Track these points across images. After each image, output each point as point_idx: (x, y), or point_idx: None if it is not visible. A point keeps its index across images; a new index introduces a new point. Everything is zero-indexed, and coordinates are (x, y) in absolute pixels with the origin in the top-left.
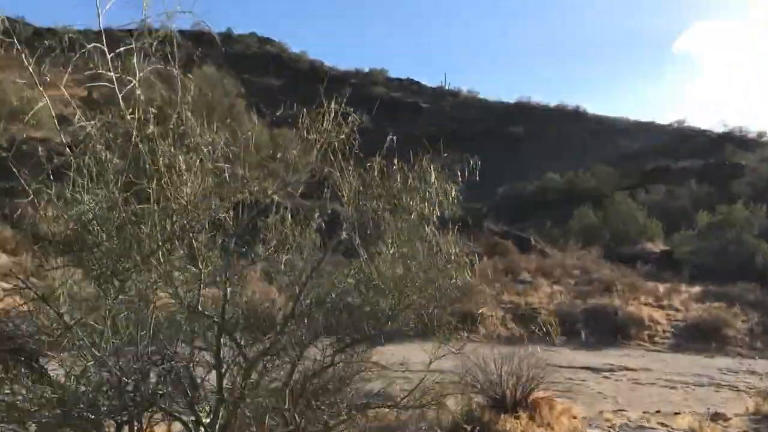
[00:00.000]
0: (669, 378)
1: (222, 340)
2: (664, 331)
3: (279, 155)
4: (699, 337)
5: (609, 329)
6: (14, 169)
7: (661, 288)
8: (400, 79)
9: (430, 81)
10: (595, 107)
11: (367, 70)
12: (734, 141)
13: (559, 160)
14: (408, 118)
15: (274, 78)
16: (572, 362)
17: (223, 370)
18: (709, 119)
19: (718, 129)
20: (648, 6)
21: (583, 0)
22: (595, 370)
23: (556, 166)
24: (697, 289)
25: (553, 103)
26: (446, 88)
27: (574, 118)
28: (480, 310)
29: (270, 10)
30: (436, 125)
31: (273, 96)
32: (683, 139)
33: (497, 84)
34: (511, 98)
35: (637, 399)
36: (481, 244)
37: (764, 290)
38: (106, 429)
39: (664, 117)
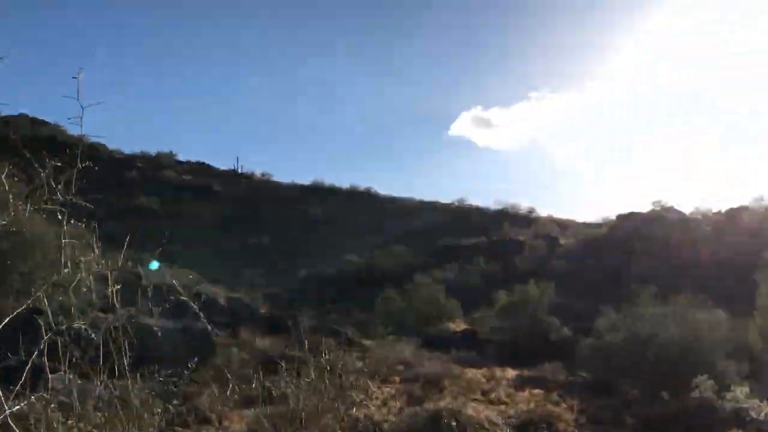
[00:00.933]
0: None
1: None
2: None
3: None
4: None
5: None
6: None
7: (481, 377)
8: (190, 162)
9: (222, 164)
10: (384, 188)
11: (154, 153)
12: (509, 218)
13: (355, 241)
14: (201, 202)
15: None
16: None
17: None
18: (486, 198)
19: (494, 207)
20: (427, 91)
21: (364, 79)
22: None
23: (354, 247)
24: (512, 373)
25: (345, 185)
26: (239, 171)
27: (367, 199)
28: None
29: (41, 90)
30: (231, 208)
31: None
32: (464, 217)
33: (290, 166)
34: (305, 180)
35: None
36: (302, 345)
37: (567, 367)
38: None
39: (446, 197)
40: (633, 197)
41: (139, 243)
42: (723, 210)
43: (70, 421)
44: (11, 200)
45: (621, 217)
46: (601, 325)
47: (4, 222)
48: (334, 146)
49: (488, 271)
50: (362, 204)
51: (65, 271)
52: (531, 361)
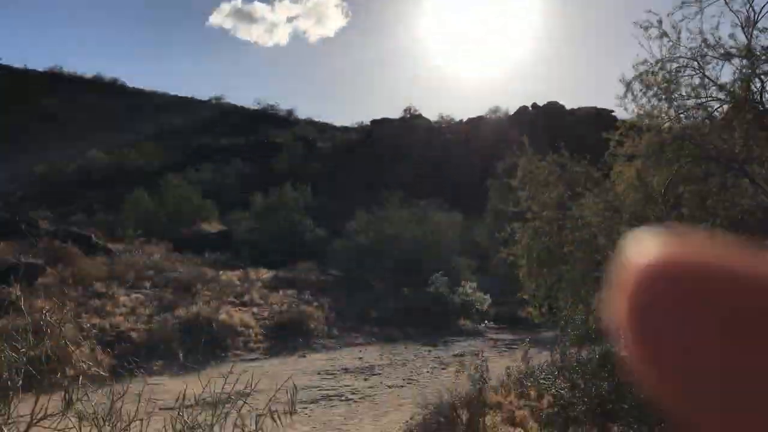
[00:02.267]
0: (287, 400)
1: None
2: (256, 335)
3: None
4: (288, 334)
5: (206, 343)
6: None
7: (236, 279)
8: None
9: None
10: (134, 80)
11: None
12: (268, 119)
13: (100, 135)
14: None
15: None
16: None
17: None
18: (246, 97)
19: (254, 107)
20: None
21: None
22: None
23: (98, 143)
24: (267, 275)
25: (89, 74)
26: None
27: (113, 90)
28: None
29: None
30: None
31: None
32: (223, 116)
33: (22, 48)
34: (40, 66)
35: None
36: (40, 253)
37: (320, 266)
38: None
39: (203, 93)
40: (388, 103)
41: None
42: (464, 119)
43: None
44: None
45: (375, 123)
46: (352, 227)
47: None
48: (75, 30)
49: (245, 172)
50: (110, 96)
51: None
52: (286, 263)
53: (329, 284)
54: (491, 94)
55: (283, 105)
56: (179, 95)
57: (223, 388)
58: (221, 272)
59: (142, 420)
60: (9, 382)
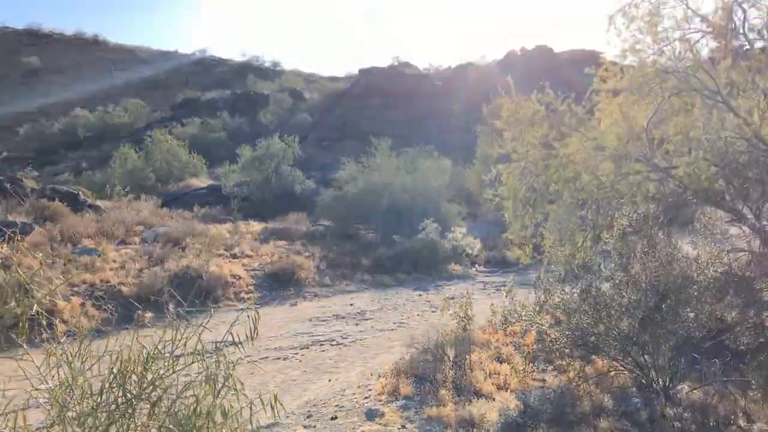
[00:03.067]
0: (279, 346)
1: None
2: (247, 285)
3: None
4: (279, 285)
5: (196, 295)
6: None
7: (226, 232)
8: None
9: None
10: (115, 35)
11: None
12: (254, 71)
13: (84, 92)
14: None
15: None
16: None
17: None
18: (230, 49)
19: (238, 58)
20: None
21: None
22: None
23: (82, 100)
24: (257, 227)
25: (69, 31)
26: None
27: (95, 47)
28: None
29: None
30: None
31: None
32: (206, 69)
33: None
34: (19, 24)
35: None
36: (27, 212)
37: (310, 218)
38: None
39: (186, 46)
40: (376, 51)
41: None
42: (453, 66)
43: None
44: None
45: (363, 72)
46: (341, 176)
47: None
48: None
49: (233, 125)
50: (90, 53)
51: None
52: (276, 215)
53: (320, 235)
54: (481, 39)
55: (269, 56)
56: (162, 49)
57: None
58: (210, 226)
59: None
60: None
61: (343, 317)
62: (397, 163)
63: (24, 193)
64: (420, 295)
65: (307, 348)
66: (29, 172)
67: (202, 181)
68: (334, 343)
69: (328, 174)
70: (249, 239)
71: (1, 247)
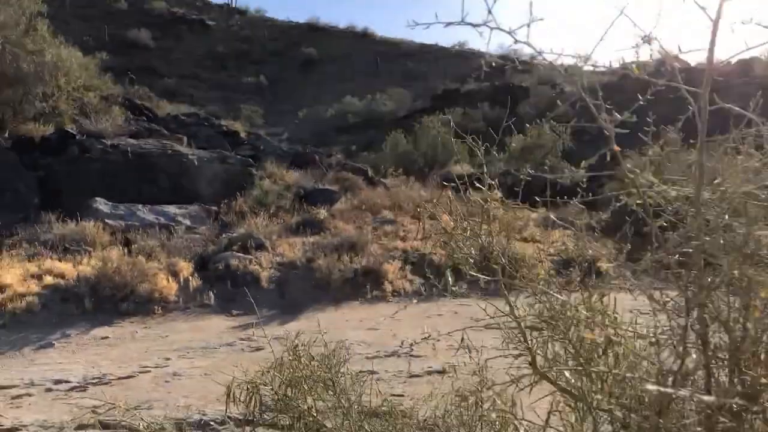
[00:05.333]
0: None
1: None
2: (550, 268)
3: None
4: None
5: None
6: None
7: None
8: None
9: None
10: (381, 29)
11: None
12: (512, 63)
13: (351, 82)
14: (194, 37)
15: None
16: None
17: None
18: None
19: (496, 51)
20: None
21: None
22: None
23: (349, 89)
24: (534, 215)
25: (342, 24)
26: (233, 5)
27: (363, 39)
28: (381, 264)
29: None
30: (225, 45)
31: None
32: (465, 61)
33: (284, 1)
34: (299, 18)
35: None
36: (330, 182)
37: (588, 213)
38: None
39: (446, 39)
40: (633, 46)
41: (137, 77)
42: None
43: None
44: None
45: (624, 66)
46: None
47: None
48: None
49: (492, 116)
50: (359, 45)
51: (91, 95)
52: (542, 205)
53: (602, 229)
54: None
55: (526, 50)
56: (424, 43)
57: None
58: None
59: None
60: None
61: None
62: None
63: (327, 164)
64: None
65: None
66: (335, 149)
67: (463, 169)
68: None
69: (595, 168)
70: (532, 226)
71: (321, 210)
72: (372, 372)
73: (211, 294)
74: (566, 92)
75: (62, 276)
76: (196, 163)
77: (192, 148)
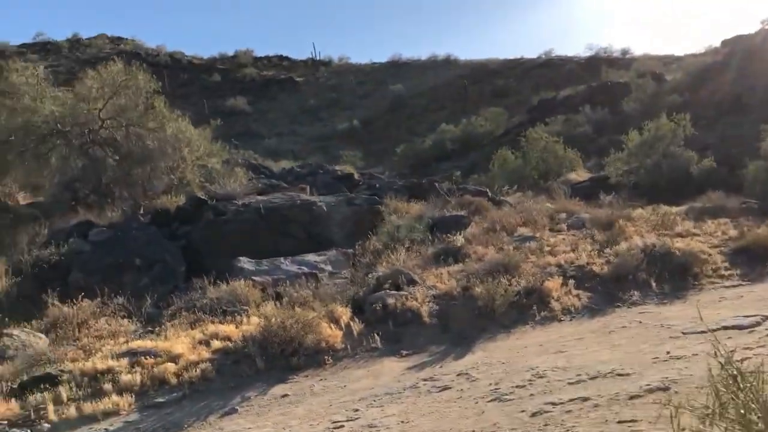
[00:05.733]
0: None
1: None
2: (721, 261)
3: None
4: (754, 261)
5: (673, 272)
6: None
7: (647, 214)
8: (268, 57)
9: (299, 54)
10: (464, 53)
11: (232, 53)
12: (604, 62)
13: (443, 111)
14: (285, 95)
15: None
16: (697, 324)
17: None
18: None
19: (585, 53)
20: None
21: None
22: (739, 328)
23: (442, 117)
24: (675, 209)
25: (424, 56)
26: (317, 58)
27: (447, 66)
28: (542, 282)
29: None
30: (315, 97)
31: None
32: (554, 69)
33: (365, 47)
34: (382, 59)
35: None
36: (454, 206)
37: (737, 198)
38: None
39: (531, 51)
40: (739, 17)
41: (240, 141)
42: None
43: None
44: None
45: (726, 43)
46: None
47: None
48: (405, 19)
49: (595, 118)
50: (444, 72)
51: (214, 161)
52: (671, 199)
53: (753, 212)
54: None
55: (618, 45)
56: (509, 58)
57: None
58: (629, 210)
59: None
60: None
61: None
62: None
63: (447, 190)
64: None
65: None
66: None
67: (579, 175)
68: None
69: (721, 152)
70: (678, 219)
71: (456, 237)
72: (584, 399)
73: (376, 336)
74: (668, 81)
75: (228, 338)
76: (325, 209)
77: (317, 196)
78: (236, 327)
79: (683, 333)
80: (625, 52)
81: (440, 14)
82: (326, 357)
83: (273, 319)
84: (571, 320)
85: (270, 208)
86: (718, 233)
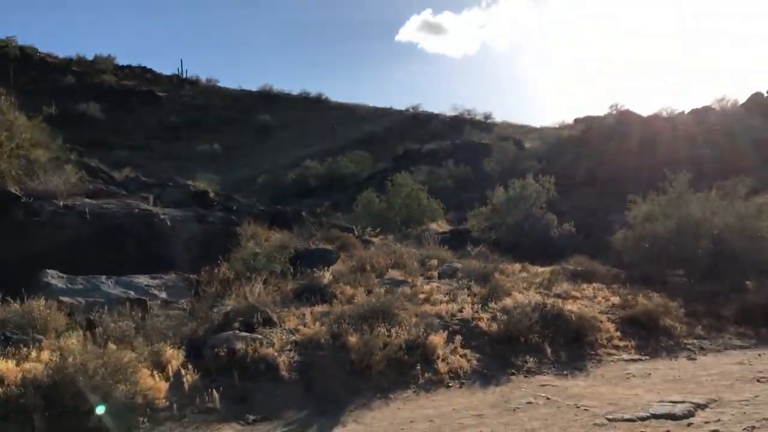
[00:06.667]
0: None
1: None
2: (615, 330)
3: None
4: (645, 332)
5: (568, 338)
6: None
7: (519, 272)
8: (131, 67)
9: (164, 69)
10: (335, 94)
11: (91, 57)
12: (468, 123)
13: (309, 147)
14: (145, 108)
15: None
16: (620, 408)
17: None
18: (440, 105)
19: (450, 112)
20: None
21: None
22: (671, 418)
23: (308, 154)
24: (542, 269)
25: (296, 91)
26: (183, 76)
27: (318, 105)
28: (427, 336)
29: None
30: (177, 114)
31: None
32: (420, 123)
33: (236, 72)
34: (252, 87)
35: None
36: (319, 239)
37: (601, 264)
38: None
39: (399, 103)
40: (588, 101)
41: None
42: (686, 111)
43: None
44: None
45: (579, 120)
46: (636, 216)
47: None
48: (278, 51)
49: (458, 173)
50: (313, 110)
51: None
52: (538, 259)
53: (627, 278)
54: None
55: (481, 109)
56: (378, 106)
57: None
58: (503, 264)
59: None
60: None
61: None
62: (710, 197)
63: (314, 223)
64: None
65: None
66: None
67: (440, 226)
68: None
69: (580, 220)
70: (560, 279)
71: (323, 274)
72: None
73: (215, 393)
74: (528, 148)
75: (1, 380)
76: (168, 223)
77: (162, 207)
78: (17, 364)
79: (608, 420)
80: (487, 116)
81: (314, 53)
82: (140, 418)
83: (71, 358)
84: (461, 387)
85: (98, 215)
86: (599, 299)
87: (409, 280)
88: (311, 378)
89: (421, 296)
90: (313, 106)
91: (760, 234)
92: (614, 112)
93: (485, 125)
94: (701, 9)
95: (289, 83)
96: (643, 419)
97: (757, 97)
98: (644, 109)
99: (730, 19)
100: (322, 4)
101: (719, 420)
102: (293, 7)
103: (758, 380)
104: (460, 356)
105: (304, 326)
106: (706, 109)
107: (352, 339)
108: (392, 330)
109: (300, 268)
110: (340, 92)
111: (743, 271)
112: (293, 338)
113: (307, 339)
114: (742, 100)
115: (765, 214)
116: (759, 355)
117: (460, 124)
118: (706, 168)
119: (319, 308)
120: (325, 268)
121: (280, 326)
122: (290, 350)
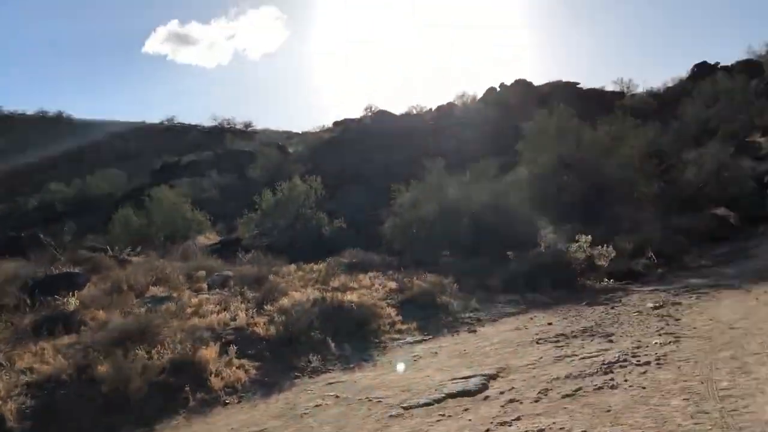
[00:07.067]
0: (567, 374)
1: None
2: (396, 315)
3: None
4: (422, 311)
5: (351, 330)
6: None
7: (295, 271)
8: None
9: None
10: (81, 112)
11: None
12: (227, 132)
13: (53, 170)
14: None
15: None
16: (414, 394)
17: None
18: (198, 116)
19: (208, 123)
20: (116, 9)
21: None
22: (467, 394)
23: (53, 177)
24: (320, 266)
25: (31, 111)
26: None
27: (59, 124)
28: (195, 351)
29: None
30: None
31: None
32: (177, 135)
33: None
34: None
35: None
36: (66, 263)
37: (376, 254)
38: None
39: (154, 116)
40: (347, 104)
41: None
42: (433, 108)
43: None
44: None
45: (338, 123)
46: (402, 204)
47: None
48: (10, 70)
49: (222, 183)
50: (56, 130)
51: None
52: (313, 257)
53: (401, 264)
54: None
55: (240, 118)
56: (130, 121)
57: None
58: (276, 266)
59: None
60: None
61: (577, 336)
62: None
63: (57, 246)
64: (611, 308)
65: (611, 373)
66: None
67: (209, 238)
68: (638, 362)
69: (349, 216)
70: (337, 273)
71: (68, 299)
72: None
73: None
74: (291, 152)
75: None
76: None
77: None
78: None
79: (404, 408)
80: (247, 125)
81: (54, 69)
82: None
83: None
84: (239, 402)
85: None
86: (377, 286)
87: (175, 295)
88: (52, 424)
89: (189, 310)
90: (54, 125)
91: (512, 209)
92: (369, 113)
93: (247, 133)
94: (434, 21)
95: (24, 102)
96: (439, 401)
97: (491, 92)
98: (397, 109)
99: (457, 29)
100: (62, 16)
101: (512, 388)
102: (29, 20)
103: (537, 342)
104: (237, 368)
105: (43, 363)
106: (450, 105)
107: (102, 369)
108: (153, 351)
109: (40, 297)
110: (87, 109)
111: (503, 243)
112: (26, 379)
113: (45, 378)
114: (479, 95)
115: (514, 191)
116: (531, 318)
117: (220, 133)
118: (454, 157)
119: (65, 340)
120: (72, 294)
121: (9, 368)
122: (22, 395)
